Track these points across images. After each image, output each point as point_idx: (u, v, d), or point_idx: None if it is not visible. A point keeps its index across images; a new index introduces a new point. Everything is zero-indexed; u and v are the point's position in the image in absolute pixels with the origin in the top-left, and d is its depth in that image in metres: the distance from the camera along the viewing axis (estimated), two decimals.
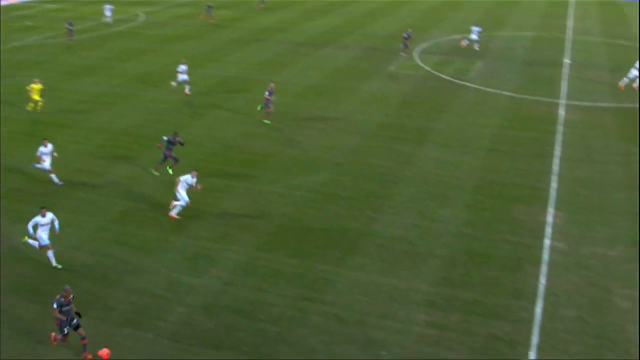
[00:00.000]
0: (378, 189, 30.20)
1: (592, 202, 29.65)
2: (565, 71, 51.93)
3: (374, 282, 23.23)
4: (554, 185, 31.10)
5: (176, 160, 31.23)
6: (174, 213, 27.34)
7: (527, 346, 20.24)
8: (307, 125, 38.07)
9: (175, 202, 27.38)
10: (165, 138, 31.06)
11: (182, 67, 42.88)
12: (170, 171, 31.31)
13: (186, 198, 27.29)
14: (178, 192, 27.27)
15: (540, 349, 20.17)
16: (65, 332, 19.17)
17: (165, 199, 28.57)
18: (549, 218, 27.96)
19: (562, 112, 41.82)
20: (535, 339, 20.56)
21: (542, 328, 21.09)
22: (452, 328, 20.97)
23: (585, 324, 21.45)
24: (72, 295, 19.12)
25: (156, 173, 31.03)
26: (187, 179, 27.34)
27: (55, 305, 18.96)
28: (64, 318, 19.01)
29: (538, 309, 22.01)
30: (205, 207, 27.98)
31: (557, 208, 28.83)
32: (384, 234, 26.36)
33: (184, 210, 27.41)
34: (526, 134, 37.97)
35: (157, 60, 52.66)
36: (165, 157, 31.06)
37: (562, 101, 44.10)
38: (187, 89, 43.05)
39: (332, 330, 20.71)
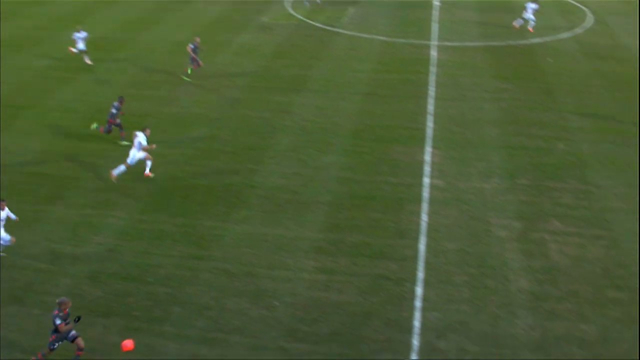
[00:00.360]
0: (257, 141, 30.14)
1: (466, 138, 30.68)
2: (435, 13, 52.96)
3: (260, 233, 23.31)
4: (430, 124, 31.94)
5: (109, 132, 29.67)
6: (148, 172, 26.72)
7: (413, 282, 20.92)
8: (182, 82, 37.32)
9: (148, 168, 26.70)
10: (115, 104, 29.51)
11: (79, 35, 40.33)
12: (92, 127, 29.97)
13: (137, 157, 26.32)
14: (135, 154, 26.34)
15: (426, 283, 20.89)
16: (55, 347, 17.55)
17: (39, 169, 27.51)
18: (427, 157, 28.77)
19: (434, 53, 42.75)
20: (421, 274, 21.25)
21: (427, 263, 21.83)
22: (341, 271, 21.39)
23: (467, 255, 22.36)
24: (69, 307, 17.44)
25: (125, 142, 29.27)
26: (142, 138, 26.37)
27: (59, 321, 17.15)
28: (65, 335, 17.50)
29: (422, 246, 22.73)
30: (82, 173, 27.13)
31: (434, 147, 29.68)
32: (267, 185, 26.41)
33: (60, 180, 26.52)
34: (401, 76, 38.68)
35: (18, 24, 50.02)
36: (118, 125, 29.53)
37: (434, 42, 45.05)
38: (86, 59, 40.62)
39: (223, 285, 20.71)
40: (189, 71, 37.89)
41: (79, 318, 17.39)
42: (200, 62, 37.69)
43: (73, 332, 17.53)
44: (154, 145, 26.78)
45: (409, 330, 18.91)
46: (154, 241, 22.87)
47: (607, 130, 32.44)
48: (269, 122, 32.16)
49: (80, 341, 17.52)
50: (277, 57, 41.99)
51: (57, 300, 17.33)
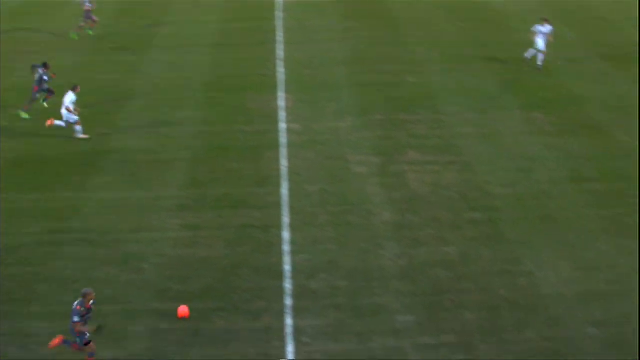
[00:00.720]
0: (108, 104, 29.26)
1: (318, 80, 31.11)
2: None
3: (121, 198, 22.74)
4: (280, 70, 32.05)
5: (52, 92, 28.24)
6: (80, 135, 26.24)
7: (279, 227, 21.09)
8: (19, 50, 35.36)
9: (77, 128, 26.28)
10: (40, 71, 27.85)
11: None
12: (46, 104, 28.44)
13: (76, 117, 25.86)
14: (67, 114, 25.81)
15: (292, 227, 21.11)
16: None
17: None
18: (281, 102, 28.94)
19: None
20: (286, 219, 21.47)
21: (291, 207, 22.05)
22: (206, 226, 21.26)
23: (328, 194, 22.75)
24: (93, 301, 15.87)
25: (26, 116, 27.99)
26: (71, 97, 25.71)
27: (77, 319, 15.48)
28: (86, 331, 15.75)
29: (284, 190, 22.93)
30: None
31: (287, 91, 29.90)
32: (123, 148, 25.74)
33: None
34: (248, 23, 38.53)
35: None
36: (47, 90, 28.07)
37: None
38: None
39: (88, 256, 20.07)
40: (90, 32, 36.83)
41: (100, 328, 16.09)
42: (95, 18, 36.84)
43: (87, 336, 16.05)
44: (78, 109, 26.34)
45: (279, 275, 19.11)
46: (9, 221, 21.76)
47: (452, 59, 33.70)
48: (118, 83, 31.27)
49: (92, 346, 16.03)
50: (121, 15, 40.68)
51: (81, 292, 15.90)
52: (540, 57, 32.56)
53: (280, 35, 36.36)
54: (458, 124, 27.56)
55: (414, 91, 30.28)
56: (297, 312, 17.76)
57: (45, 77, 28.10)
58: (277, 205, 22.17)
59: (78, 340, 15.96)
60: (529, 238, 20.81)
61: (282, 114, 27.89)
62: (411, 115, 28.06)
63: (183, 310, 17.46)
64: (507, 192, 23.12)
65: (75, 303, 15.72)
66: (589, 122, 28.23)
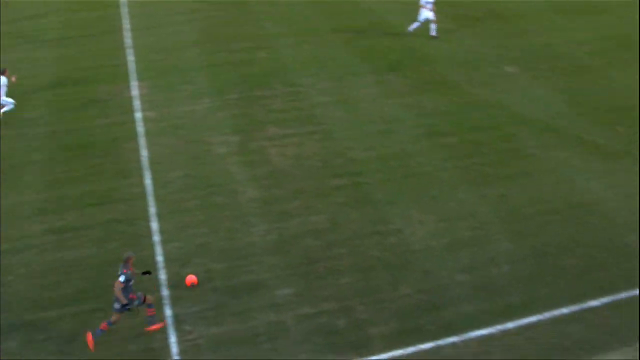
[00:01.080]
0: None
1: (169, 65, 30.60)
2: None
3: None
4: (130, 58, 31.27)
5: None
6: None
7: (146, 218, 20.67)
8: None
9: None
10: None
11: None
12: None
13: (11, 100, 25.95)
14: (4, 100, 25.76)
15: (159, 216, 20.75)
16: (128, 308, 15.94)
17: None
18: (134, 91, 28.25)
19: None
20: (152, 209, 21.07)
21: (156, 196, 21.65)
22: (71, 227, 20.50)
23: (193, 179, 22.52)
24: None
25: None
26: (4, 81, 25.05)
27: (122, 279, 15.52)
28: (125, 301, 15.70)
29: (147, 180, 22.47)
30: None
31: (139, 79, 29.18)
32: None
33: None
34: (92, 14, 37.37)
35: None
36: None
37: None
38: None
39: None
40: None
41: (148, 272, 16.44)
42: None
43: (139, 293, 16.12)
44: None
45: (153, 266, 18.79)
46: None
47: (302, 32, 34.02)
48: None
49: (150, 298, 16.32)
50: None
51: (124, 256, 15.89)
52: (433, 26, 33.38)
53: (126, 23, 35.38)
54: (315, 94, 27.89)
55: (267, 66, 30.33)
56: (175, 301, 17.57)
57: None
58: (142, 196, 21.71)
59: (133, 302, 15.98)
60: (394, 197, 21.44)
61: (137, 103, 27.22)
62: (267, 90, 28.14)
63: (191, 278, 17.59)
64: (369, 155, 23.67)
65: (120, 272, 15.76)
66: (439, 79, 29.32)
